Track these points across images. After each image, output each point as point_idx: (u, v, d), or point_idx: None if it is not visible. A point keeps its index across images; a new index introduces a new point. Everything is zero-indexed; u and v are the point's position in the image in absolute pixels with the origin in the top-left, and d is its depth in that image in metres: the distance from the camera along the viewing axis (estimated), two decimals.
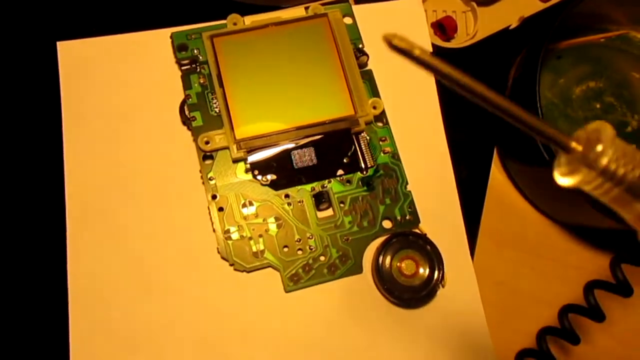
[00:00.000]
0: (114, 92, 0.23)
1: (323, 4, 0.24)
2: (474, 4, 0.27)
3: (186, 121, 0.22)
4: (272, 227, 0.22)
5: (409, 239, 0.22)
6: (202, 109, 0.22)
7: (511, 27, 0.27)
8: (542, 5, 0.28)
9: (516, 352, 0.24)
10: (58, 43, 0.23)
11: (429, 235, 0.22)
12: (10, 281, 0.22)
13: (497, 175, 0.28)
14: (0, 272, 0.22)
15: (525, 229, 0.27)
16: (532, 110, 0.23)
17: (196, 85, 0.23)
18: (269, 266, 0.21)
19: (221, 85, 0.22)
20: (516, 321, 0.25)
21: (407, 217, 0.23)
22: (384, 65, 0.24)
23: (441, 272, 0.22)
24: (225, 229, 0.21)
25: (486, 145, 0.28)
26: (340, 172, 0.22)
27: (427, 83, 0.24)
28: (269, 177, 0.22)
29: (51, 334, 0.21)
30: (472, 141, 0.27)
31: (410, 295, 0.21)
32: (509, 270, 0.26)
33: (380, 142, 0.23)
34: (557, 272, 0.27)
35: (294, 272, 0.21)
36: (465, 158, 0.26)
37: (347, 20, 0.24)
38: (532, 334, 0.24)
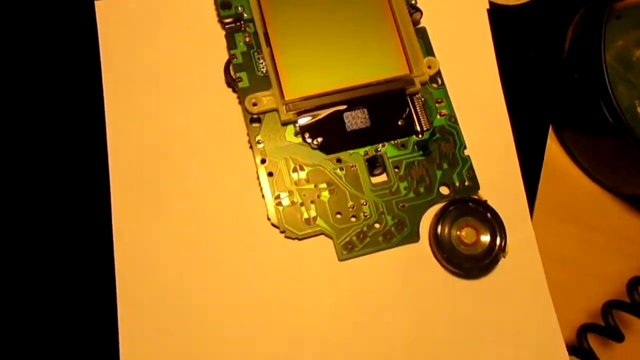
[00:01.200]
0: (155, 54, 0.22)
1: None
2: None
3: (231, 82, 0.21)
4: (324, 193, 0.21)
5: (469, 205, 0.21)
6: (248, 69, 0.21)
7: None
8: None
9: (574, 328, 0.23)
10: (96, 2, 0.22)
11: (489, 203, 0.21)
12: (53, 249, 0.22)
13: (551, 145, 0.27)
14: (42, 236, 0.22)
15: (582, 201, 0.26)
16: (595, 74, 0.22)
17: (241, 44, 0.21)
18: (321, 233, 0.20)
19: (268, 44, 0.21)
20: (572, 297, 0.24)
21: (466, 183, 0.21)
22: (438, 23, 0.23)
23: (503, 240, 0.20)
24: (276, 194, 0.20)
25: (541, 114, 0.26)
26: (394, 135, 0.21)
27: (483, 43, 0.23)
28: (320, 140, 0.21)
29: (98, 305, 0.21)
30: (527, 109, 0.26)
31: (470, 264, 0.20)
32: (565, 244, 0.25)
33: (436, 104, 0.22)
34: (616, 246, 0.25)
35: (347, 239, 0.20)
36: (519, 127, 0.24)
37: None
38: (590, 310, 0.23)
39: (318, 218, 0.20)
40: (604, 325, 0.21)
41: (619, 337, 0.21)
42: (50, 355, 0.20)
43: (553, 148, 0.26)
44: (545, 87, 0.26)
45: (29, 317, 0.21)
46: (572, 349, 0.21)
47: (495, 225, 0.21)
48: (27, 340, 0.20)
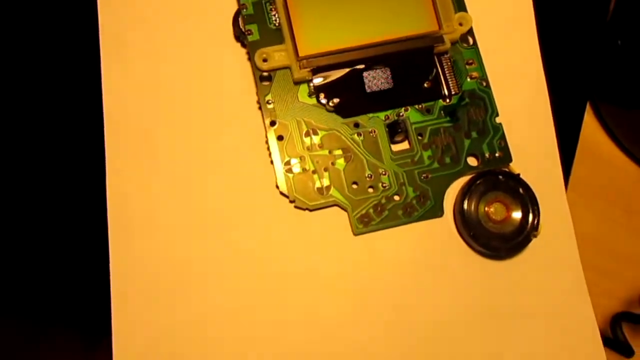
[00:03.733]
0: (157, 2, 0.20)
1: None
2: None
3: (240, 35, 0.19)
4: (340, 160, 0.19)
5: (499, 179, 0.19)
6: (259, 21, 0.19)
7: None
8: None
9: (608, 316, 0.21)
10: None
11: (522, 176, 0.19)
12: (47, 209, 0.20)
13: (588, 121, 0.24)
14: (38, 193, 0.20)
15: (619, 181, 0.24)
16: None
17: None
18: (335, 205, 0.18)
19: None
20: (607, 282, 0.22)
21: (497, 154, 0.19)
22: None
23: (536, 218, 0.18)
24: (286, 160, 0.19)
25: (579, 86, 0.24)
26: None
27: (522, 1, 0.21)
28: (336, 101, 0.19)
29: (92, 269, 0.19)
30: (564, 79, 0.24)
31: (499, 243, 0.18)
32: (600, 226, 0.23)
33: (467, 66, 0.20)
34: None
35: (364, 212, 0.19)
36: (554, 98, 0.22)
37: None
38: (628, 297, 0.21)
39: (332, 187, 0.19)
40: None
41: None
42: (41, 308, 0.19)
43: (589, 123, 0.24)
44: (585, 54, 0.24)
45: (19, 273, 0.19)
46: (604, 340, 0.20)
47: (527, 201, 0.19)
48: (17, 297, 0.19)
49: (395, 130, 0.19)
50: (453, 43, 0.20)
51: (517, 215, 0.19)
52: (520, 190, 0.19)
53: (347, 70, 0.19)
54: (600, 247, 0.23)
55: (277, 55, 0.19)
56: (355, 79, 0.19)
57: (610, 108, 0.24)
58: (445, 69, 0.19)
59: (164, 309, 0.18)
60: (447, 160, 0.19)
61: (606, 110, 0.24)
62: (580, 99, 0.23)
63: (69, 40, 0.21)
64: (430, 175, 0.19)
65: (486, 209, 0.19)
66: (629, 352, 0.20)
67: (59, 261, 0.19)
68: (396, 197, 0.19)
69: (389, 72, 0.19)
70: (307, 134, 0.19)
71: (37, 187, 0.20)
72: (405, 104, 0.19)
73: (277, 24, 0.19)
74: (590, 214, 0.23)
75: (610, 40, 0.22)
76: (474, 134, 0.19)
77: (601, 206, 0.23)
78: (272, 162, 0.19)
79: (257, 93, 0.19)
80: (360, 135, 0.19)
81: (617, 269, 0.22)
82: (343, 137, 0.19)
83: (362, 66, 0.19)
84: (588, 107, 0.24)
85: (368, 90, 0.19)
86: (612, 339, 0.20)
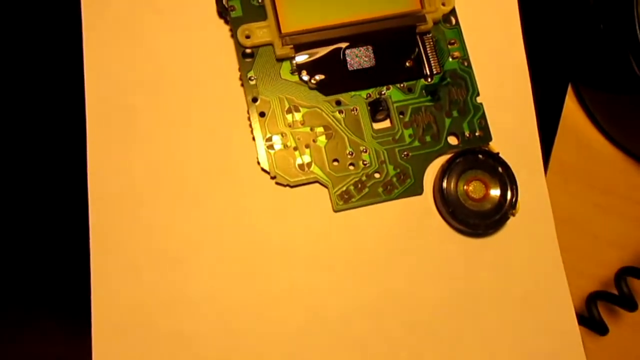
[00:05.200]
0: None
1: None
2: None
3: (223, 11, 0.19)
4: (321, 138, 0.19)
5: (479, 157, 0.19)
6: None
7: None
8: None
9: (584, 296, 0.21)
10: None
11: (501, 155, 0.19)
12: (30, 186, 0.20)
13: (569, 104, 0.25)
14: (19, 171, 0.20)
15: (598, 164, 0.24)
16: (625, 24, 0.20)
17: None
18: (315, 181, 0.19)
19: None
20: (584, 262, 0.22)
21: (477, 133, 0.19)
22: None
23: (514, 197, 0.19)
24: (267, 137, 0.19)
25: (560, 69, 0.24)
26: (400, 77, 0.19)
27: None
28: (318, 78, 0.19)
29: (70, 247, 0.19)
30: (545, 62, 0.24)
31: (477, 220, 0.19)
32: (579, 208, 0.23)
33: (449, 46, 0.20)
34: (634, 212, 0.23)
35: (344, 189, 0.19)
36: (535, 81, 0.22)
37: None
38: (604, 277, 0.22)
39: (313, 164, 0.19)
40: (617, 293, 0.20)
41: (631, 306, 0.19)
42: (22, 291, 0.19)
43: (571, 107, 0.24)
44: (567, 37, 0.24)
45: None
46: (580, 318, 0.20)
47: (506, 179, 0.19)
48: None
49: (376, 109, 0.19)
50: (435, 23, 0.20)
51: (495, 193, 0.19)
52: (500, 169, 0.19)
53: (329, 47, 0.19)
54: (578, 228, 0.23)
55: (260, 32, 0.19)
56: (337, 56, 0.19)
57: (591, 92, 0.24)
58: (428, 49, 0.19)
59: (144, 286, 0.18)
60: (428, 138, 0.19)
61: (588, 94, 0.24)
62: (562, 82, 0.23)
63: (48, 15, 0.21)
64: (410, 154, 0.19)
65: (465, 187, 0.19)
66: (604, 330, 0.20)
67: (40, 245, 0.19)
68: (377, 175, 0.19)
69: (371, 51, 0.19)
70: (289, 111, 0.19)
71: (15, 171, 0.20)
72: (387, 82, 0.19)
73: (260, 1, 0.19)
74: (569, 195, 0.23)
75: (592, 24, 0.22)
76: (454, 113, 0.19)
77: (580, 188, 0.24)
78: (253, 138, 0.19)
79: (239, 69, 0.19)
80: (342, 112, 0.19)
81: (594, 250, 0.23)
82: (325, 114, 0.19)
83: (344, 44, 0.19)
84: (570, 91, 0.24)
85: (350, 69, 0.19)
86: (588, 317, 0.20)
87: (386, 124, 0.19)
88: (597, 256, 0.22)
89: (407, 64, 0.19)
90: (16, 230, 0.19)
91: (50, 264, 0.19)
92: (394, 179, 0.19)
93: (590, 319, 0.20)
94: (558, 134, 0.24)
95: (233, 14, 0.19)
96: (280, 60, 0.19)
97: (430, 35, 0.20)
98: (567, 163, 0.24)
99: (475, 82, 0.20)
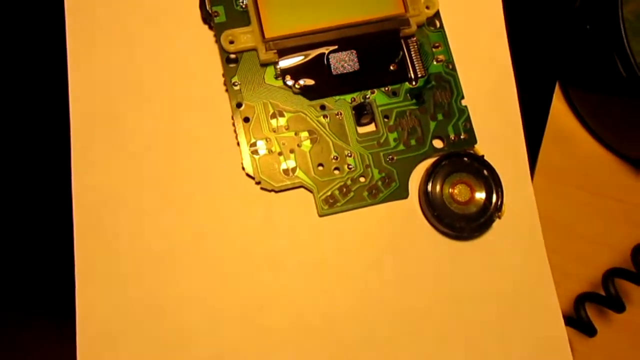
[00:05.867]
0: None
1: None
2: None
3: (207, 17, 0.19)
4: (306, 142, 0.19)
5: (464, 160, 0.19)
6: (225, 2, 0.19)
7: None
8: None
9: (572, 297, 0.21)
10: None
11: (486, 159, 0.19)
12: (14, 191, 0.20)
13: (556, 104, 0.25)
14: (11, 174, 0.20)
15: (586, 164, 0.24)
16: (611, 25, 0.20)
17: None
18: (300, 186, 0.19)
19: None
20: (572, 264, 0.22)
21: (462, 136, 0.19)
22: None
23: (500, 200, 0.19)
24: (252, 142, 0.19)
25: (547, 69, 0.24)
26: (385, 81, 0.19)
27: None
28: (303, 83, 0.19)
29: (56, 251, 0.19)
30: (532, 63, 0.24)
31: (462, 224, 0.19)
32: (566, 209, 0.23)
33: (433, 49, 0.20)
34: (621, 213, 0.23)
35: (329, 193, 0.19)
36: (522, 82, 0.22)
37: None
38: (592, 278, 0.22)
39: (297, 169, 0.19)
40: (605, 294, 0.20)
41: (619, 307, 0.19)
42: (19, 294, 0.19)
43: (558, 107, 0.24)
44: (554, 39, 0.24)
45: None
46: (568, 320, 0.20)
47: (491, 182, 0.19)
48: None
49: (361, 113, 0.19)
50: (420, 26, 0.20)
51: (480, 196, 0.19)
52: (485, 171, 0.19)
53: (313, 52, 0.19)
54: (565, 229, 0.23)
55: (244, 37, 0.19)
56: (321, 61, 0.19)
57: (579, 93, 0.24)
58: (412, 52, 0.19)
59: (129, 291, 0.18)
60: (413, 142, 0.19)
61: (575, 95, 0.24)
62: (549, 83, 0.23)
63: (32, 22, 0.21)
64: (395, 157, 0.19)
65: (450, 190, 0.19)
66: (592, 331, 0.20)
67: (36, 249, 0.19)
68: (362, 179, 0.19)
69: (355, 55, 0.19)
70: (274, 116, 0.19)
71: (7, 175, 0.20)
72: (372, 86, 0.19)
73: (243, 6, 0.19)
74: (557, 196, 0.23)
75: (579, 25, 0.22)
76: (439, 117, 0.19)
77: (568, 189, 0.24)
78: (238, 143, 0.19)
79: (223, 75, 0.19)
80: (327, 117, 0.19)
81: (581, 251, 0.23)
82: (309, 119, 0.19)
83: (328, 48, 0.19)
84: (558, 92, 0.24)
85: (334, 73, 0.19)
86: (576, 319, 0.20)
87: (371, 127, 0.19)
88: (584, 257, 0.22)
89: (392, 67, 0.19)
90: (14, 233, 0.19)
91: (48, 267, 0.19)
92: (379, 183, 0.19)
93: (579, 320, 0.20)
94: (545, 135, 0.24)
95: (217, 20, 0.19)
96: (264, 65, 0.19)
97: (415, 38, 0.20)
98: (554, 164, 0.24)
99: (460, 85, 0.20)
